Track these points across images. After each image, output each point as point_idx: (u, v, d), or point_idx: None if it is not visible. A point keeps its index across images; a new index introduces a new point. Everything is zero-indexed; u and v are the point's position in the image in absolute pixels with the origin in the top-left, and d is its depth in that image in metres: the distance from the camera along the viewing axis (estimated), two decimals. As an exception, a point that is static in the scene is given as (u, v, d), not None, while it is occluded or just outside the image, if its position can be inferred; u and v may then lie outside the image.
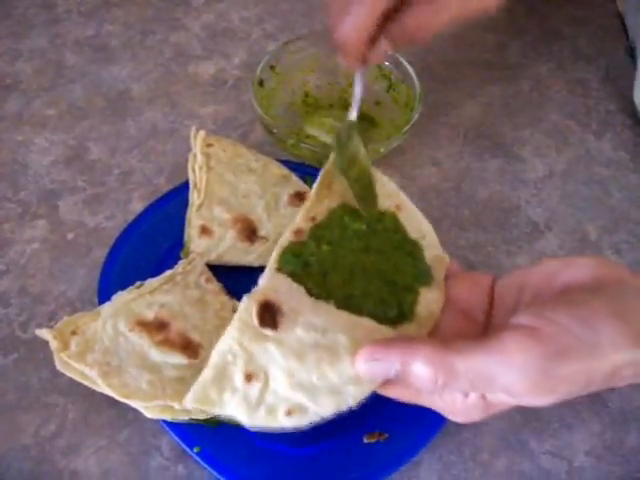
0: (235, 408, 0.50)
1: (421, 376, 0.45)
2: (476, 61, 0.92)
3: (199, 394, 0.50)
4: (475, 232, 0.75)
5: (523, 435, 0.62)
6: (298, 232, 0.56)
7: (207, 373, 0.50)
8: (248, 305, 0.51)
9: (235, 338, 0.51)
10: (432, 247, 0.58)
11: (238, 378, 0.50)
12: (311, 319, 0.51)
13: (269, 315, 0.51)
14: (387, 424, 0.60)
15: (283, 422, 0.49)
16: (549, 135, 0.85)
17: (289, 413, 0.49)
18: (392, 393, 0.51)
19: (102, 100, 0.86)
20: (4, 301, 0.68)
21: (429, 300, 0.55)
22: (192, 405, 0.50)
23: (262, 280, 0.54)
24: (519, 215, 0.77)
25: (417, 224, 0.58)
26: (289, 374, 0.49)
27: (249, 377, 0.50)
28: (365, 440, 0.59)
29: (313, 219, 0.57)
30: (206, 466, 0.57)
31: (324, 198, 0.58)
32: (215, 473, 0.57)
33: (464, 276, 0.57)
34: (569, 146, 0.84)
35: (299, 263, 0.54)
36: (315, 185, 0.58)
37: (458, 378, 0.44)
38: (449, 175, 0.80)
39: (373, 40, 0.56)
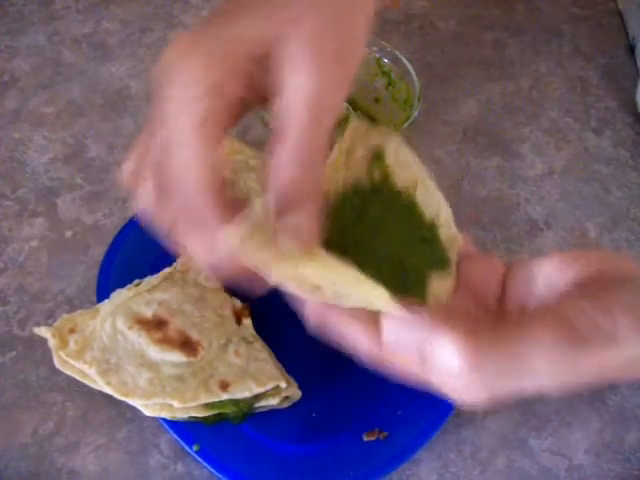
0: None
1: (445, 363, 0.39)
2: (475, 59, 0.92)
3: None
4: (474, 230, 0.75)
5: (522, 433, 0.62)
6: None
7: None
8: None
9: None
10: (446, 225, 0.52)
11: None
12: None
13: None
14: (386, 422, 0.59)
15: None
16: (548, 133, 0.85)
17: None
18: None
19: (100, 98, 0.85)
20: (2, 299, 0.68)
21: (440, 286, 0.52)
22: None
23: None
24: (518, 213, 0.77)
25: (432, 200, 0.52)
26: None
27: None
28: (364, 438, 0.59)
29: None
30: (205, 464, 0.57)
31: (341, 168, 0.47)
32: (214, 471, 0.57)
33: (479, 258, 0.54)
34: (568, 143, 0.84)
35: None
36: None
37: (486, 373, 0.39)
38: (448, 173, 0.80)
39: None
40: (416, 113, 0.74)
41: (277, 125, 0.39)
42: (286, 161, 0.39)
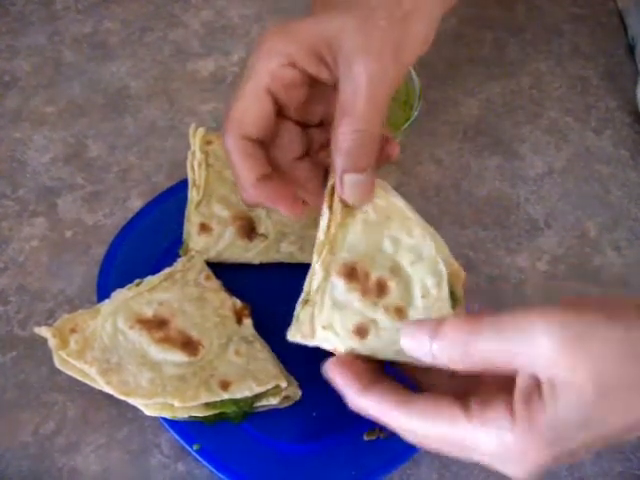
0: None
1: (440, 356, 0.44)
2: (475, 58, 0.92)
3: None
4: (475, 229, 0.75)
5: (523, 432, 0.62)
6: None
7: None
8: None
9: None
10: (448, 261, 0.55)
11: None
12: None
13: None
14: (387, 421, 0.59)
15: None
16: (548, 132, 0.85)
17: None
18: None
19: (101, 97, 0.85)
20: (3, 299, 0.68)
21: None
22: None
23: None
24: (518, 212, 0.77)
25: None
26: None
27: None
28: (365, 437, 0.59)
29: None
30: (205, 464, 0.57)
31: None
32: (214, 471, 0.57)
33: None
34: (568, 143, 0.84)
35: None
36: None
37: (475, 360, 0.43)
38: (449, 172, 0.80)
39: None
40: (416, 113, 0.74)
41: (342, 101, 0.50)
42: (351, 130, 0.50)
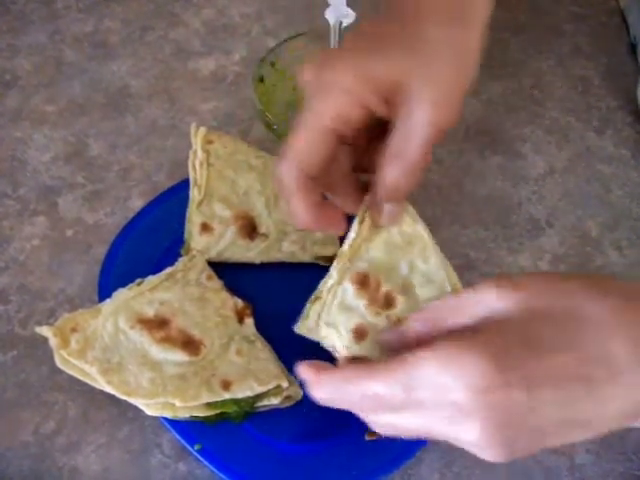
0: None
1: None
2: (477, 58, 0.92)
3: None
4: (476, 229, 0.75)
5: (524, 432, 0.62)
6: None
7: None
8: None
9: None
10: (455, 287, 0.59)
11: None
12: None
13: None
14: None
15: None
16: (550, 132, 0.85)
17: None
18: None
19: (101, 96, 0.85)
20: (3, 298, 0.68)
21: None
22: None
23: None
24: (520, 212, 0.77)
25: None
26: None
27: None
28: (366, 437, 0.59)
29: None
30: (207, 463, 0.57)
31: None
32: (216, 470, 0.57)
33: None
34: (570, 143, 0.84)
35: None
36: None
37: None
38: (450, 172, 0.80)
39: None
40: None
41: (396, 143, 0.52)
42: (400, 173, 0.52)
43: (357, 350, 0.55)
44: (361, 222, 0.60)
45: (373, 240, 0.60)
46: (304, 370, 0.49)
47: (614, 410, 0.43)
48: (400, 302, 0.57)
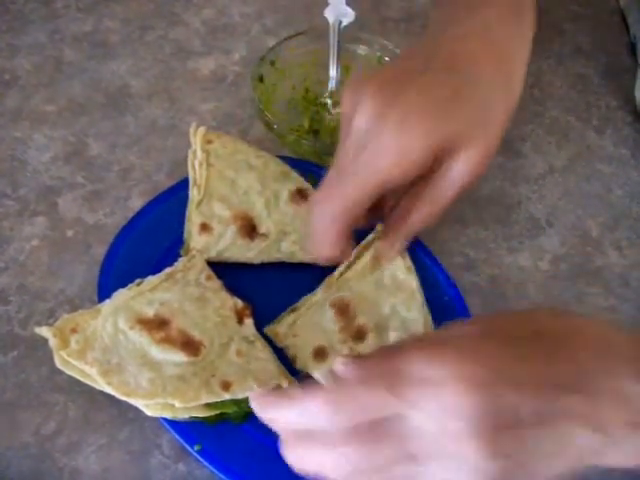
0: None
1: None
2: (477, 57, 0.91)
3: None
4: (476, 229, 0.75)
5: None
6: None
7: None
8: None
9: None
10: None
11: None
12: None
13: None
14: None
15: None
16: (550, 131, 0.85)
17: None
18: None
19: (101, 96, 0.85)
20: (3, 298, 0.68)
21: None
22: None
23: None
24: (520, 211, 0.77)
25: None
26: None
27: None
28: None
29: None
30: (206, 464, 0.57)
31: None
32: (215, 471, 0.57)
33: None
34: (570, 142, 0.84)
35: None
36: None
37: None
38: (450, 171, 0.80)
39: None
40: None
41: (434, 193, 0.56)
42: (429, 217, 0.57)
43: (313, 368, 0.58)
44: (358, 258, 0.64)
45: (364, 277, 0.63)
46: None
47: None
48: (370, 338, 0.59)
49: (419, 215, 0.57)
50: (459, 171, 0.54)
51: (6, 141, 0.80)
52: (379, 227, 0.66)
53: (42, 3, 0.95)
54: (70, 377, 0.58)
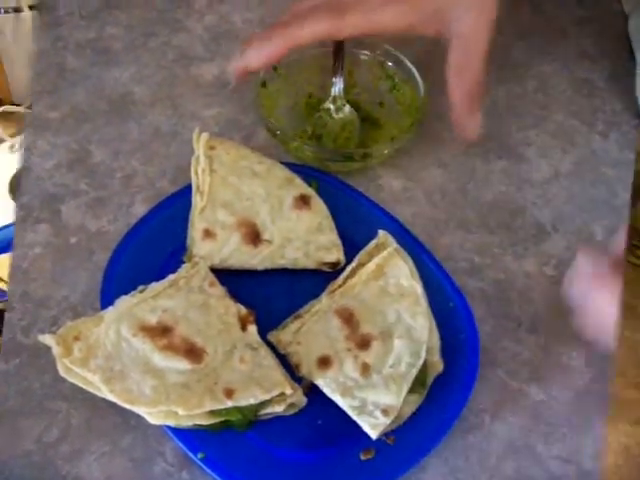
0: None
1: None
2: (480, 61, 0.91)
3: None
4: (481, 234, 0.75)
5: (531, 439, 0.62)
6: None
7: None
8: None
9: None
10: (433, 352, 0.61)
11: None
12: None
13: None
14: (393, 427, 0.59)
15: None
16: (554, 135, 0.84)
17: None
18: None
19: (104, 103, 0.85)
20: (6, 305, 0.68)
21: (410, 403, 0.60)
22: None
23: None
24: (525, 216, 0.77)
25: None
26: None
27: None
28: (361, 457, 0.58)
29: None
30: (210, 472, 0.57)
31: None
32: (219, 479, 0.56)
33: None
34: (575, 146, 0.83)
35: None
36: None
37: None
38: (454, 176, 0.79)
39: None
40: (421, 116, 0.73)
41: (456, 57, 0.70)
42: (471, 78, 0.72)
43: (317, 376, 0.59)
44: (364, 264, 0.64)
45: (368, 284, 0.63)
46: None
47: None
48: (374, 347, 0.60)
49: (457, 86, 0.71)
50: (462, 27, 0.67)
51: (9, 148, 0.80)
52: (380, 233, 0.65)
53: (45, 10, 0.95)
54: (73, 385, 0.58)
